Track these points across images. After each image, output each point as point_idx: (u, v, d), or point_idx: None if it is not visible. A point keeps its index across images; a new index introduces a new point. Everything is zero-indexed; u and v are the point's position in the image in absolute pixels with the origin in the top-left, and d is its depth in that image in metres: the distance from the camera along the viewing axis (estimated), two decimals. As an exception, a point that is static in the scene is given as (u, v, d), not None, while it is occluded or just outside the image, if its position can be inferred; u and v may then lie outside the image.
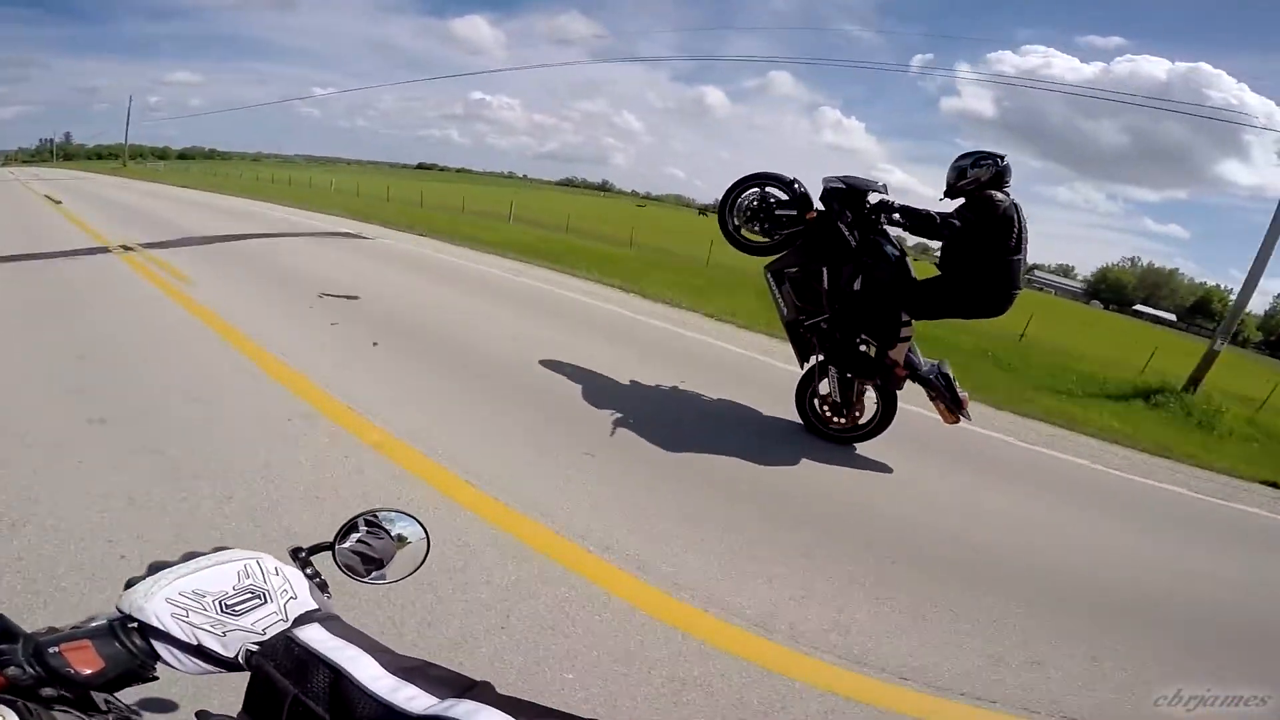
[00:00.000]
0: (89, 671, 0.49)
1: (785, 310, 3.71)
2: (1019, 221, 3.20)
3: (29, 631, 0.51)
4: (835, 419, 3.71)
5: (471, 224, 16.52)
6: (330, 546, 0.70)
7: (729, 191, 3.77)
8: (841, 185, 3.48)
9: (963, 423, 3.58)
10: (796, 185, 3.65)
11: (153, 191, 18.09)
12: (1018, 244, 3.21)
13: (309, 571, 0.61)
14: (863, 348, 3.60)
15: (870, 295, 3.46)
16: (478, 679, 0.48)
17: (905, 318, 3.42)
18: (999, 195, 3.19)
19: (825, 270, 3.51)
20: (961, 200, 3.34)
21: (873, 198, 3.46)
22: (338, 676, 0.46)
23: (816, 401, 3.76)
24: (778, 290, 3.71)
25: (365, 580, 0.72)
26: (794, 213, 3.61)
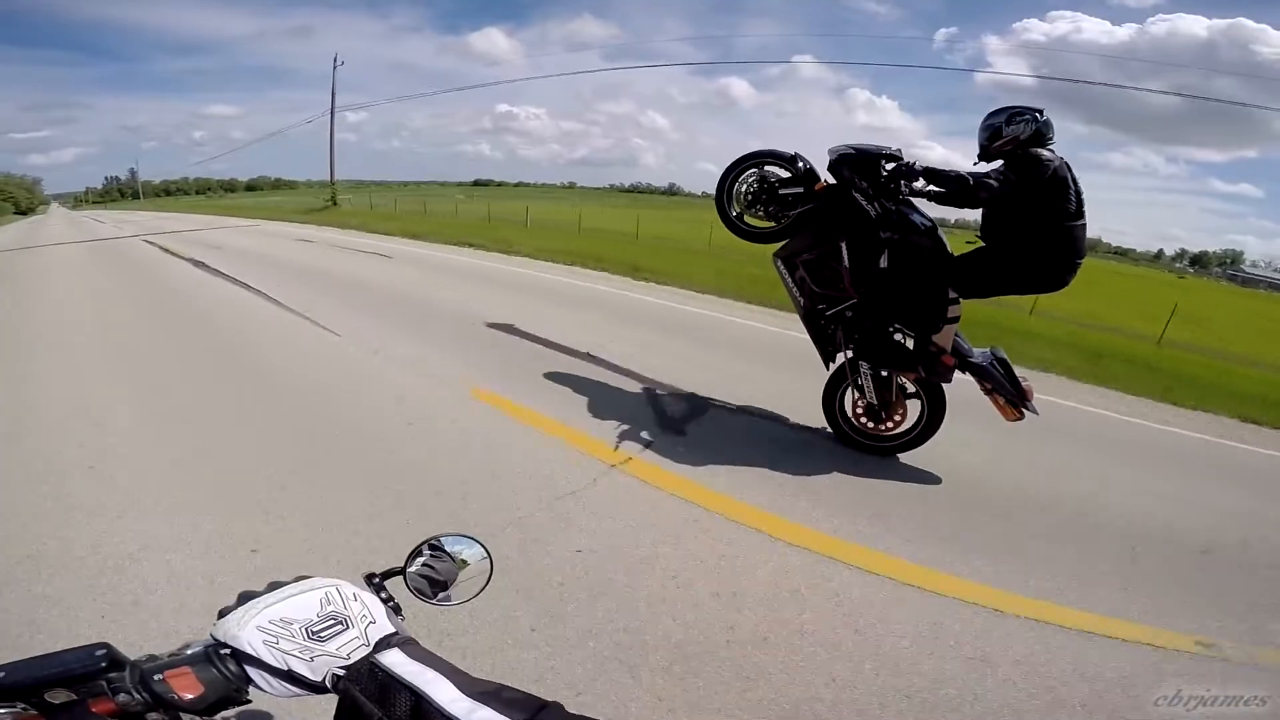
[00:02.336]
0: (190, 696, 0.52)
1: (802, 300, 3.32)
2: (1073, 182, 2.85)
3: (133, 659, 0.54)
4: (872, 424, 3.27)
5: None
6: (401, 571, 0.72)
7: (724, 175, 3.44)
8: (851, 151, 3.10)
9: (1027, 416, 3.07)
10: (798, 160, 3.30)
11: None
12: (1079, 208, 2.87)
13: (383, 596, 0.64)
14: (898, 337, 3.19)
15: (902, 272, 3.07)
16: (548, 700, 0.49)
17: (953, 295, 3.04)
18: (1045, 153, 2.82)
19: (844, 246, 3.12)
20: (999, 163, 2.97)
21: (888, 164, 3.07)
22: (418, 700, 0.48)
23: (849, 406, 3.33)
24: (790, 279, 3.34)
25: (432, 602, 0.74)
26: (800, 189, 3.26)
